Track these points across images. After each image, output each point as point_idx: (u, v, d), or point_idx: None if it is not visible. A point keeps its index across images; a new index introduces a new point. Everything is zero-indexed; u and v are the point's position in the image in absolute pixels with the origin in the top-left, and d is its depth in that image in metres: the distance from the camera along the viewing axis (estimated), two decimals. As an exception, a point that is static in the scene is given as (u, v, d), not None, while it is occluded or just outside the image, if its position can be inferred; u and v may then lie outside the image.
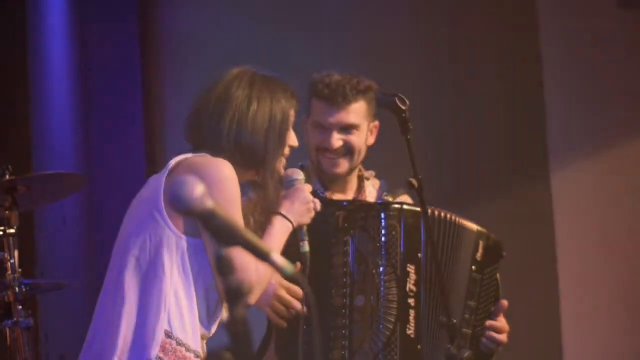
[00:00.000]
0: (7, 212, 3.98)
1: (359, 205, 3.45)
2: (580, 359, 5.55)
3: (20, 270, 3.97)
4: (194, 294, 2.81)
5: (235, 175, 2.83)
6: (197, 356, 2.80)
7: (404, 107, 3.24)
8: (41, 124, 5.37)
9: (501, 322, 3.50)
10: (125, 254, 2.84)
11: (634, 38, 5.58)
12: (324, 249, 3.27)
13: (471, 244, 3.46)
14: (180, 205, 1.89)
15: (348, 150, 3.43)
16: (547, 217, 5.56)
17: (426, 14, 5.60)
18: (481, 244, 3.48)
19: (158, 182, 2.86)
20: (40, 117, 5.37)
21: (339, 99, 3.38)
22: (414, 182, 3.22)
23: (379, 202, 3.49)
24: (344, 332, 3.25)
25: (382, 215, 3.31)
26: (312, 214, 3.08)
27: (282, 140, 2.99)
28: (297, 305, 3.18)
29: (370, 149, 3.60)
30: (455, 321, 3.23)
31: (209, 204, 1.89)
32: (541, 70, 5.62)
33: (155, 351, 2.74)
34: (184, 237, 2.80)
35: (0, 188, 3.93)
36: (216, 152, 2.90)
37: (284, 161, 3.06)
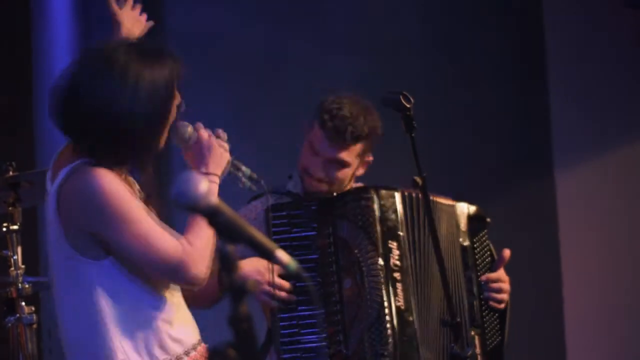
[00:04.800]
0: (10, 208, 3.97)
1: (338, 195, 3.53)
2: (583, 356, 5.54)
3: (23, 266, 3.97)
4: (131, 310, 2.74)
5: (114, 183, 2.67)
6: None
7: (408, 105, 3.24)
8: (45, 119, 5.36)
9: (498, 273, 3.57)
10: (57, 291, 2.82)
11: None
12: (308, 244, 3.37)
13: (452, 218, 3.54)
14: (184, 202, 1.89)
15: (331, 182, 3.51)
16: (551, 216, 5.56)
17: (431, 12, 5.59)
18: (460, 215, 3.56)
19: (50, 220, 2.73)
20: (43, 113, 5.35)
21: (339, 139, 3.46)
22: (418, 180, 3.24)
23: (357, 187, 3.58)
24: (337, 317, 3.33)
25: (358, 200, 3.41)
26: (227, 146, 2.89)
27: (165, 119, 2.76)
28: (286, 284, 3.28)
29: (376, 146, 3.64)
30: (459, 319, 3.25)
31: (214, 200, 1.88)
32: (546, 70, 5.62)
33: None
34: (103, 261, 2.70)
35: (3, 184, 3.92)
36: (94, 149, 2.71)
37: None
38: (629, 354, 5.56)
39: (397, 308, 3.35)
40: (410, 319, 3.36)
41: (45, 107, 5.52)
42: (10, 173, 3.93)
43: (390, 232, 3.40)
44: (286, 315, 3.31)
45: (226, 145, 2.90)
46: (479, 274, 3.56)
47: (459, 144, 5.49)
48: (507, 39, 5.60)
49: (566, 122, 5.62)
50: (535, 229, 5.56)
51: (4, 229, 3.96)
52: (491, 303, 3.56)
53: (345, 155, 3.47)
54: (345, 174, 3.50)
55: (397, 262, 3.38)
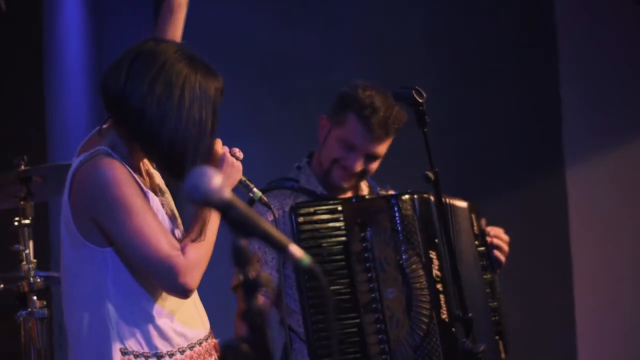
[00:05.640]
0: (22, 203, 3.97)
1: (369, 199, 3.51)
2: (594, 351, 5.54)
3: (35, 260, 3.97)
4: (133, 300, 2.74)
5: (122, 175, 2.67)
6: (160, 356, 2.74)
7: (420, 100, 3.23)
8: (56, 114, 5.37)
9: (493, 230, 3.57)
10: (64, 282, 2.82)
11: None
12: (339, 247, 3.29)
13: (467, 220, 3.52)
14: (197, 197, 1.88)
15: (363, 175, 3.53)
16: (561, 212, 5.56)
17: (440, 11, 5.59)
18: (473, 217, 3.54)
19: (64, 201, 2.75)
20: (55, 107, 5.36)
21: (382, 132, 3.46)
22: (430, 175, 3.22)
23: (394, 193, 3.50)
24: (378, 326, 3.25)
25: (395, 207, 3.34)
26: (240, 166, 2.86)
27: (209, 142, 2.77)
28: None
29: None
30: (471, 315, 3.22)
31: (227, 194, 1.88)
32: (557, 68, 5.61)
33: None
34: (106, 249, 2.70)
35: (15, 178, 3.93)
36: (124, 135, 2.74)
37: None
38: (636, 351, 5.56)
39: (443, 322, 3.30)
40: (453, 330, 3.31)
41: (57, 102, 5.54)
42: (22, 167, 3.93)
43: (429, 241, 3.35)
44: (311, 319, 3.22)
45: (239, 165, 2.88)
46: (495, 277, 3.54)
47: (470, 143, 5.49)
48: (519, 38, 5.60)
49: (577, 121, 5.61)
50: (546, 227, 5.56)
51: (16, 223, 3.97)
52: (496, 252, 3.54)
53: (383, 149, 3.51)
54: (375, 165, 3.53)
55: (438, 273, 3.32)
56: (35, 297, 3.94)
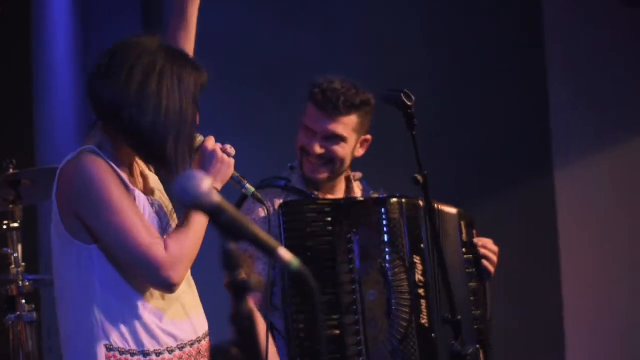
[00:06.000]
0: (10, 206, 3.97)
1: (357, 201, 3.49)
2: (582, 355, 5.55)
3: (23, 264, 3.97)
4: (120, 297, 2.74)
5: (104, 172, 2.68)
6: (147, 354, 2.75)
7: (409, 103, 3.23)
8: (45, 117, 5.36)
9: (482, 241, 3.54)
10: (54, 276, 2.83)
11: (638, 36, 5.58)
12: (325, 248, 3.29)
13: (455, 227, 3.49)
14: (187, 200, 1.88)
15: (329, 160, 3.46)
16: (550, 213, 5.57)
17: (442, 9, 5.60)
18: (463, 224, 3.52)
19: (53, 201, 2.76)
20: (44, 111, 5.36)
21: (330, 108, 3.41)
22: (419, 178, 3.22)
23: (381, 196, 3.50)
24: (357, 327, 3.25)
25: (383, 209, 3.33)
26: (232, 162, 2.87)
27: (190, 131, 2.78)
28: None
29: (375, 145, 3.61)
30: (459, 317, 3.23)
31: (216, 198, 1.88)
32: (546, 67, 5.62)
33: None
34: (91, 246, 2.71)
35: (4, 182, 3.92)
36: (115, 134, 2.76)
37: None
38: (628, 349, 5.57)
39: (422, 326, 3.29)
40: (433, 335, 3.32)
41: (46, 106, 5.53)
42: (11, 171, 3.93)
43: (414, 246, 3.33)
44: (295, 317, 3.23)
45: (230, 161, 2.88)
46: (481, 286, 3.53)
47: (459, 144, 5.49)
48: (507, 39, 5.60)
49: (565, 122, 5.62)
50: (534, 228, 5.57)
51: (5, 227, 3.97)
52: (484, 262, 3.52)
53: (341, 129, 3.42)
54: (343, 149, 3.45)
55: (421, 278, 3.32)
56: (24, 301, 3.94)
